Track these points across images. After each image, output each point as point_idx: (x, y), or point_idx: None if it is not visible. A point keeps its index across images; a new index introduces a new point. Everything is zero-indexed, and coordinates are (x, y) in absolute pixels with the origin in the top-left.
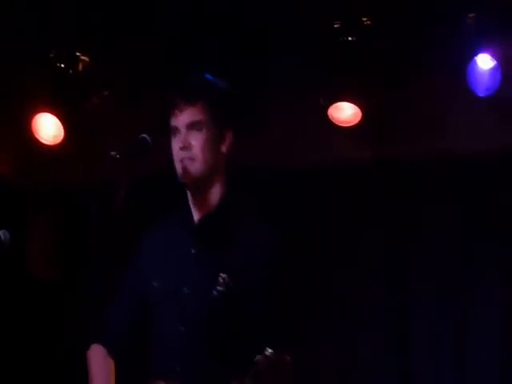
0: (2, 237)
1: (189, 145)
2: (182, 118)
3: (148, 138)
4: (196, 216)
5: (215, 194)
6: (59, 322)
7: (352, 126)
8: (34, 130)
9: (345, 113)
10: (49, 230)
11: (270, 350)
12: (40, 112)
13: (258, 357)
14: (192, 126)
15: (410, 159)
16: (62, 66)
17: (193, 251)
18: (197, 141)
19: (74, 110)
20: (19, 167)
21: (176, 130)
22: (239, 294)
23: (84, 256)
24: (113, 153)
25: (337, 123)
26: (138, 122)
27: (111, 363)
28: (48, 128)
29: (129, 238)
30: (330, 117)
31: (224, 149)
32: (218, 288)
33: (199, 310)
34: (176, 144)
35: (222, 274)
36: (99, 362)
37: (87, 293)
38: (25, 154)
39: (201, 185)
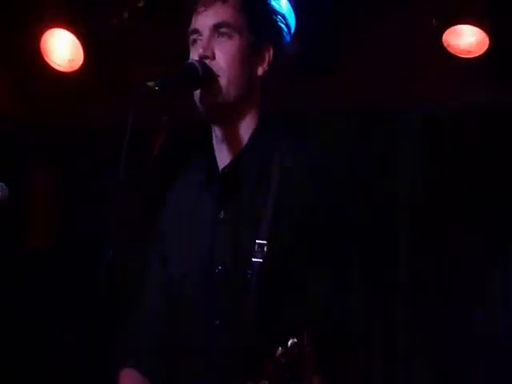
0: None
1: (211, 54)
2: (207, 18)
3: (198, 64)
4: (221, 164)
5: (246, 129)
6: (64, 300)
7: (474, 58)
8: (43, 52)
9: (466, 40)
10: (59, 185)
11: (292, 341)
12: (52, 27)
13: (278, 351)
14: (218, 30)
15: None
16: None
17: (221, 215)
18: (224, 51)
19: (97, 25)
20: (24, 102)
21: (196, 34)
22: (280, 266)
23: (105, 217)
24: (150, 83)
25: (454, 53)
26: (182, 44)
27: None
28: (62, 49)
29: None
30: (445, 44)
31: (261, 70)
32: (255, 260)
33: (235, 294)
34: (195, 52)
35: (258, 241)
36: None
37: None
38: (31, 84)
39: (226, 115)
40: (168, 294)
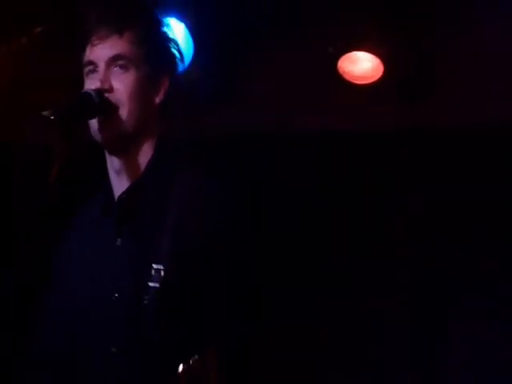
0: None
1: (109, 86)
2: (102, 50)
3: (93, 93)
4: (117, 192)
5: (142, 158)
6: None
7: (369, 84)
8: None
9: (360, 66)
10: None
11: (194, 358)
12: None
13: (179, 368)
14: (115, 63)
15: (447, 127)
16: None
17: (118, 242)
18: (122, 83)
19: None
20: None
21: (92, 65)
22: (178, 290)
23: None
24: (45, 112)
25: (349, 79)
26: (80, 71)
27: None
28: None
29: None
30: (340, 71)
31: (157, 100)
32: (151, 285)
33: (132, 320)
34: (91, 85)
35: (154, 265)
36: None
37: None
38: None
39: (124, 145)
40: (65, 325)
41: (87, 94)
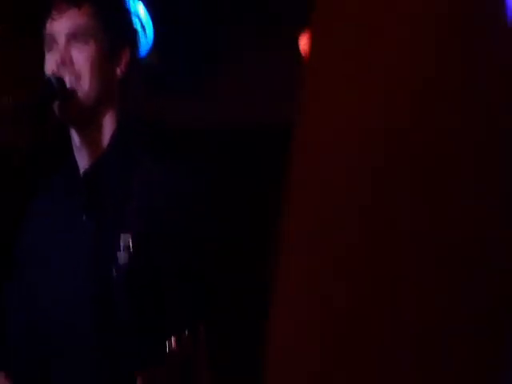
0: None
1: (70, 59)
2: (62, 24)
3: (54, 79)
4: (82, 167)
5: (105, 132)
6: None
7: None
8: None
9: None
10: None
11: (185, 334)
12: None
13: (168, 341)
14: (75, 36)
15: None
16: None
17: (84, 217)
18: (81, 55)
19: None
20: None
21: (52, 39)
22: (147, 258)
23: None
24: (5, 99)
25: None
26: (41, 58)
27: None
28: None
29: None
30: None
31: (119, 71)
32: (120, 255)
33: (102, 295)
34: (51, 59)
35: (122, 234)
36: None
37: None
38: None
39: (86, 117)
40: (31, 305)
41: (49, 80)
